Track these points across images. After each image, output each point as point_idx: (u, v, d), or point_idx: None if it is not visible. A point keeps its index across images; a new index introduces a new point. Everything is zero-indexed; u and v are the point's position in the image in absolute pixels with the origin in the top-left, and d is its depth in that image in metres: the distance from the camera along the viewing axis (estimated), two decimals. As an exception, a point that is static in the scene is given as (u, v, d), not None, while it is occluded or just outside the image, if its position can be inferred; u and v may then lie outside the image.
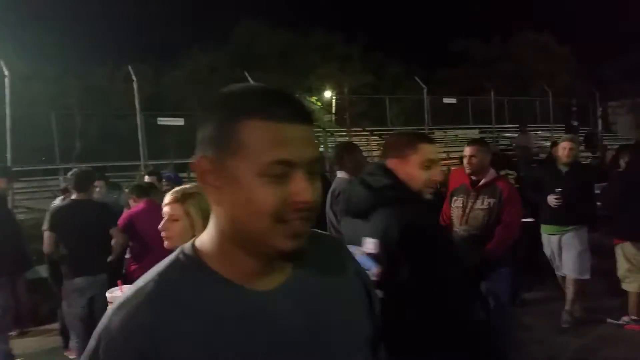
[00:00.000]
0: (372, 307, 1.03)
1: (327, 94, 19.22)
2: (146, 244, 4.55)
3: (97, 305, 4.31)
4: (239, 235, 0.83)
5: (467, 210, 3.75)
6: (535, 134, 17.48)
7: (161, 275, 0.84)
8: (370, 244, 1.76)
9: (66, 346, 5.07)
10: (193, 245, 0.88)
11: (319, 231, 1.00)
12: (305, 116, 0.82)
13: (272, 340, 0.82)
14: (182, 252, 0.88)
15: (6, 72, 7.98)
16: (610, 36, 26.09)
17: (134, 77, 8.85)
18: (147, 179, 5.66)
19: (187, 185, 2.17)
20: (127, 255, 5.00)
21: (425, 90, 12.63)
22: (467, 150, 3.82)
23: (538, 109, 19.14)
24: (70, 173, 4.56)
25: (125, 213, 4.78)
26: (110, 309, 0.83)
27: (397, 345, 1.29)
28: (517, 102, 19.43)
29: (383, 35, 27.34)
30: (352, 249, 1.50)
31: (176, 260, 0.86)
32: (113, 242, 4.44)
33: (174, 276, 0.84)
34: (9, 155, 7.91)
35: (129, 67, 9.25)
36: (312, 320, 0.87)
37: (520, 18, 27.78)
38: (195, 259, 0.86)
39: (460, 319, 1.69)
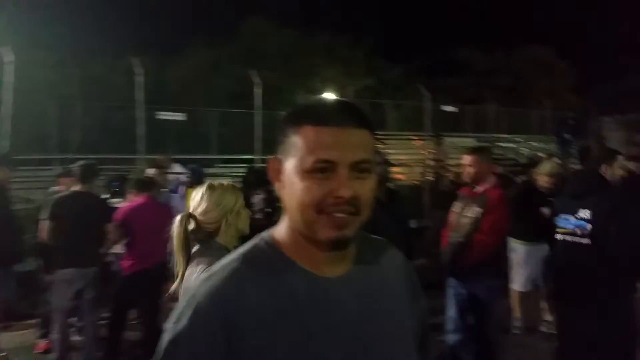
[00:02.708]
0: (417, 300, 1.14)
1: (330, 96, 19.24)
2: (142, 238, 4.56)
3: (85, 298, 4.33)
4: (295, 225, 0.97)
5: (459, 217, 3.79)
6: (530, 144, 17.55)
7: (244, 255, 0.98)
8: (585, 213, 3.06)
9: (44, 336, 5.03)
10: (271, 234, 1.03)
11: (373, 235, 1.14)
12: (356, 121, 0.94)
13: (333, 320, 0.95)
14: (262, 239, 1.04)
15: (12, 58, 7.92)
16: (609, 54, 26.23)
17: (137, 70, 8.80)
18: (151, 172, 5.64)
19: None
20: (121, 250, 5.01)
21: (426, 99, 12.65)
22: (465, 159, 3.84)
23: (534, 121, 19.21)
24: (76, 165, 4.59)
25: (124, 207, 4.79)
26: (197, 281, 0.98)
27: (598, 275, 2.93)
28: (514, 113, 19.48)
29: (386, 40, 27.33)
30: (568, 215, 3.14)
31: (257, 245, 1.02)
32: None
33: (255, 258, 0.98)
34: (7, 143, 7.89)
35: (132, 60, 9.22)
36: (367, 308, 1.00)
37: (522, 32, 27.85)
38: (273, 245, 1.01)
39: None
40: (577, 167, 7.60)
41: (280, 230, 1.02)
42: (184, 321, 0.91)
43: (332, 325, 0.94)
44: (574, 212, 3.11)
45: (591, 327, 3.00)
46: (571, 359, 3.25)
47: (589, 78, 24.57)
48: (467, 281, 3.73)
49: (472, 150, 4.00)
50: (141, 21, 25.76)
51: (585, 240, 3.02)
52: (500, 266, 3.96)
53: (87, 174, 4.44)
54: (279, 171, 0.98)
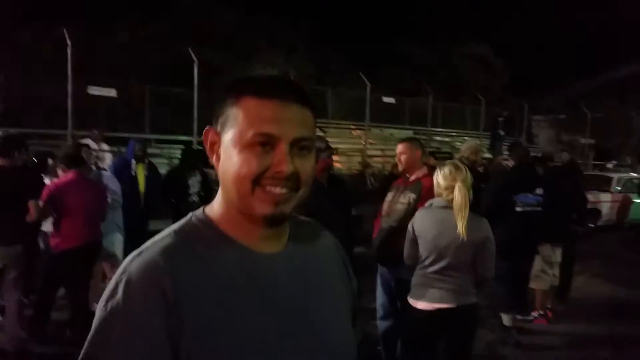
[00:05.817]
0: (350, 280, 1.16)
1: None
2: (70, 216, 4.36)
3: (8, 277, 4.10)
4: (230, 200, 0.94)
5: (392, 204, 3.87)
6: (464, 139, 18.31)
7: (177, 232, 0.94)
8: (540, 191, 4.93)
9: None
10: (203, 211, 0.99)
11: (305, 217, 1.13)
12: (298, 98, 0.92)
13: (270, 297, 0.93)
14: (194, 216, 0.98)
15: None
16: (542, 53, 27.75)
17: (68, 41, 8.29)
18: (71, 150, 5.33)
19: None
20: (47, 228, 4.78)
21: (368, 88, 12.83)
22: (398, 148, 3.96)
23: (469, 116, 20.02)
24: None
25: (52, 183, 4.55)
26: (126, 259, 0.90)
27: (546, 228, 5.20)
28: (450, 107, 20.21)
29: (327, 27, 27.40)
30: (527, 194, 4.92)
31: (189, 222, 0.97)
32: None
33: (188, 234, 0.94)
34: None
35: (64, 31, 8.66)
36: (303, 284, 1.00)
37: (462, 28, 28.82)
38: (206, 221, 0.97)
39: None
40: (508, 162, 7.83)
41: (214, 207, 0.98)
42: (116, 298, 0.83)
43: (270, 300, 0.92)
44: (532, 191, 4.82)
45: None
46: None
47: (523, 77, 25.94)
48: (397, 267, 3.73)
49: (403, 140, 4.15)
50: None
51: (539, 209, 4.80)
52: None
53: (8, 147, 4.15)
54: (215, 143, 0.94)
